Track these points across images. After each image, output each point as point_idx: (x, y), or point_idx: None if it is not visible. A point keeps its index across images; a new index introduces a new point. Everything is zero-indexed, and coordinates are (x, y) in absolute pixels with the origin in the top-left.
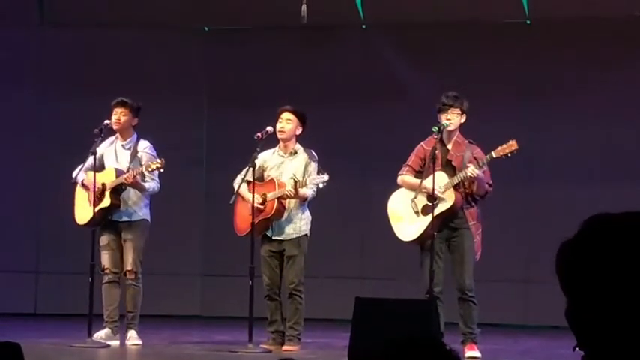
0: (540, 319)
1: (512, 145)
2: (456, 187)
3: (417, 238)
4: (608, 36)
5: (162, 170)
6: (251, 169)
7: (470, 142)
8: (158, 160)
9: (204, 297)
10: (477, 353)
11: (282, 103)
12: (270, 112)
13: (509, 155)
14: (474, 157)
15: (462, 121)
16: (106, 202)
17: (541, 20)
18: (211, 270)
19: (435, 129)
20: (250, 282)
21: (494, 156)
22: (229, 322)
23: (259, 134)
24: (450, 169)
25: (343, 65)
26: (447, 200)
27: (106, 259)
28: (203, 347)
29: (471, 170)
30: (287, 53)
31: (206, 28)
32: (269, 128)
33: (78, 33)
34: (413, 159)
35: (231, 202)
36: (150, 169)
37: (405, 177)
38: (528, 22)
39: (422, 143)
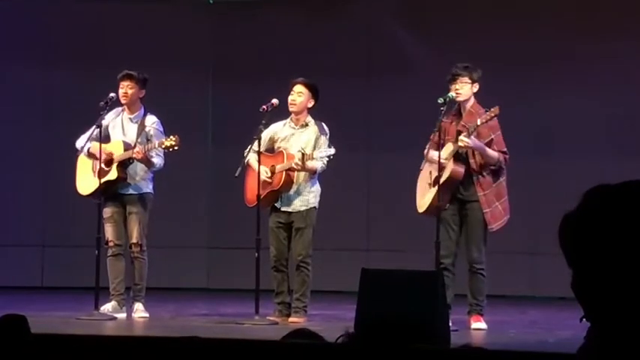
0: (547, 291)
1: (494, 111)
2: (459, 158)
3: (425, 210)
4: (616, 3)
5: (177, 148)
6: (257, 141)
7: (486, 111)
8: (172, 137)
9: (210, 269)
10: (482, 325)
11: (288, 74)
12: (275, 84)
13: (493, 118)
14: (463, 125)
15: (474, 90)
16: (113, 174)
17: None
18: (217, 242)
19: (440, 100)
20: (257, 254)
21: (479, 123)
22: (235, 294)
23: (264, 106)
24: None
25: (349, 36)
26: (446, 170)
27: (109, 231)
28: (209, 319)
29: (460, 139)
30: (292, 24)
31: (211, 0)
32: (275, 100)
33: (82, 6)
34: (435, 133)
35: (236, 174)
36: (164, 146)
37: (429, 151)
38: None
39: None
